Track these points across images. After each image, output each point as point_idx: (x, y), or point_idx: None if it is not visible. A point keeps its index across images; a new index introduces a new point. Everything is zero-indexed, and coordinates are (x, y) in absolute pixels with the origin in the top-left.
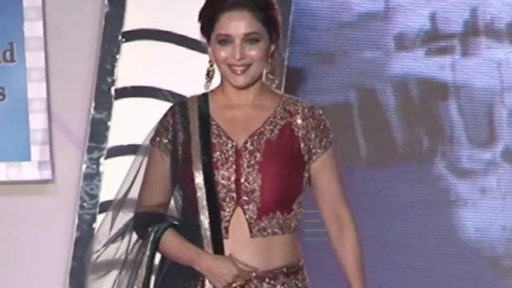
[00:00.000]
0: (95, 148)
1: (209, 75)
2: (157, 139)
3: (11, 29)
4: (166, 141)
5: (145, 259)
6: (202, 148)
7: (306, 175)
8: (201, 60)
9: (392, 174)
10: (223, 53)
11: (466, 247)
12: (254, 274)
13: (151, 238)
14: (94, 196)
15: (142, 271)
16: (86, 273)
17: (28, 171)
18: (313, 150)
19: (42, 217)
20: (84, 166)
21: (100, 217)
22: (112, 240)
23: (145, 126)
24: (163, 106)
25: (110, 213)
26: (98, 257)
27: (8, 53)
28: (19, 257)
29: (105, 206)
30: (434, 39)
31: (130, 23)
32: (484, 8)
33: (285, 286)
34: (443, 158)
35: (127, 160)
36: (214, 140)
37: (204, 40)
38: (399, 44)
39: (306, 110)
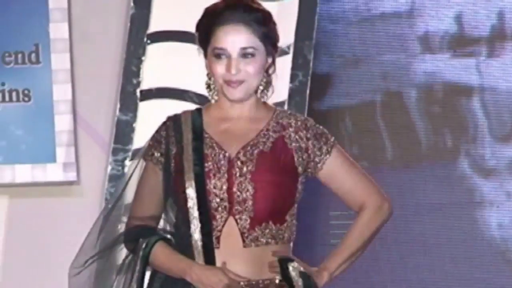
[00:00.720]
0: (120, 149)
1: (210, 87)
2: (149, 153)
3: (36, 30)
4: (158, 154)
5: (136, 274)
6: (195, 159)
7: (300, 187)
8: None
9: (417, 174)
10: (219, 67)
11: (491, 249)
12: (245, 283)
13: (141, 253)
14: None
15: (133, 286)
16: (110, 274)
17: (53, 172)
18: (316, 159)
19: (67, 218)
20: (109, 168)
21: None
22: (99, 254)
23: None
24: (189, 108)
25: (97, 224)
26: (80, 272)
27: (33, 55)
28: (44, 258)
29: None
30: (460, 42)
31: (155, 25)
32: (511, 11)
33: None
34: (468, 159)
35: None
36: (206, 151)
37: (201, 51)
38: (424, 46)
39: (299, 123)
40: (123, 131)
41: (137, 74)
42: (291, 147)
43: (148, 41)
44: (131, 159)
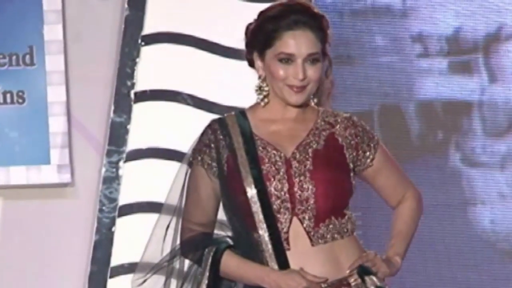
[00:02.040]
0: (114, 151)
1: (261, 90)
2: (199, 157)
3: (31, 32)
4: (209, 158)
5: (204, 281)
6: (250, 162)
7: (354, 182)
8: (221, 64)
9: (413, 175)
10: (282, 71)
11: (495, 249)
12: (325, 284)
13: (209, 261)
14: (113, 200)
15: None
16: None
17: (47, 174)
18: (367, 154)
19: (61, 220)
20: (103, 170)
21: (119, 221)
22: (160, 267)
23: (164, 129)
24: (183, 110)
25: (157, 232)
26: (143, 282)
27: (28, 57)
28: (38, 260)
29: (124, 210)
30: (456, 45)
31: (149, 27)
32: (510, 20)
33: None
34: (463, 159)
35: (146, 164)
36: (261, 153)
37: (249, 52)
38: (419, 50)
39: (345, 120)
40: (117, 133)
41: (131, 76)
42: (342, 144)
43: (143, 43)
44: (125, 161)
